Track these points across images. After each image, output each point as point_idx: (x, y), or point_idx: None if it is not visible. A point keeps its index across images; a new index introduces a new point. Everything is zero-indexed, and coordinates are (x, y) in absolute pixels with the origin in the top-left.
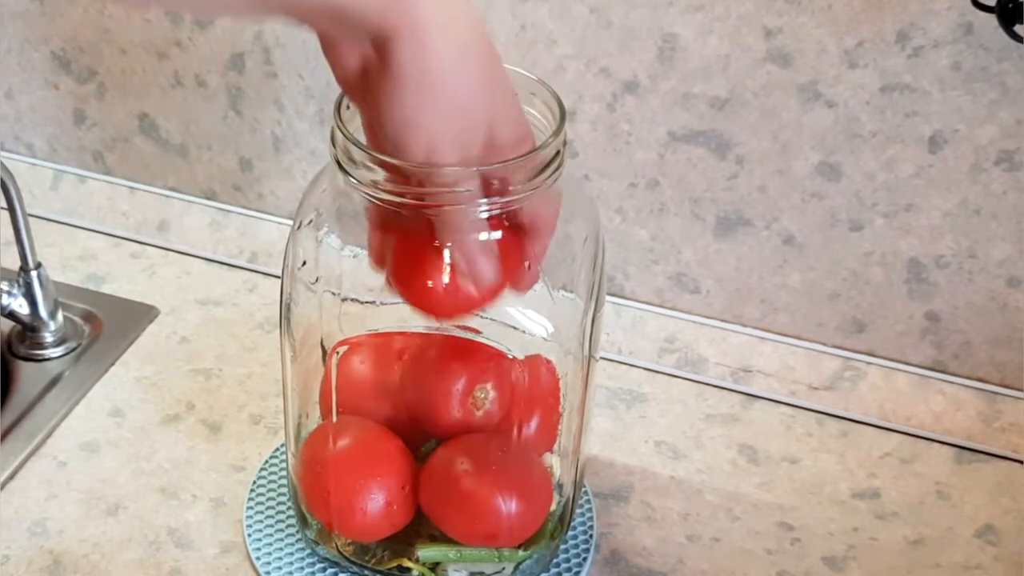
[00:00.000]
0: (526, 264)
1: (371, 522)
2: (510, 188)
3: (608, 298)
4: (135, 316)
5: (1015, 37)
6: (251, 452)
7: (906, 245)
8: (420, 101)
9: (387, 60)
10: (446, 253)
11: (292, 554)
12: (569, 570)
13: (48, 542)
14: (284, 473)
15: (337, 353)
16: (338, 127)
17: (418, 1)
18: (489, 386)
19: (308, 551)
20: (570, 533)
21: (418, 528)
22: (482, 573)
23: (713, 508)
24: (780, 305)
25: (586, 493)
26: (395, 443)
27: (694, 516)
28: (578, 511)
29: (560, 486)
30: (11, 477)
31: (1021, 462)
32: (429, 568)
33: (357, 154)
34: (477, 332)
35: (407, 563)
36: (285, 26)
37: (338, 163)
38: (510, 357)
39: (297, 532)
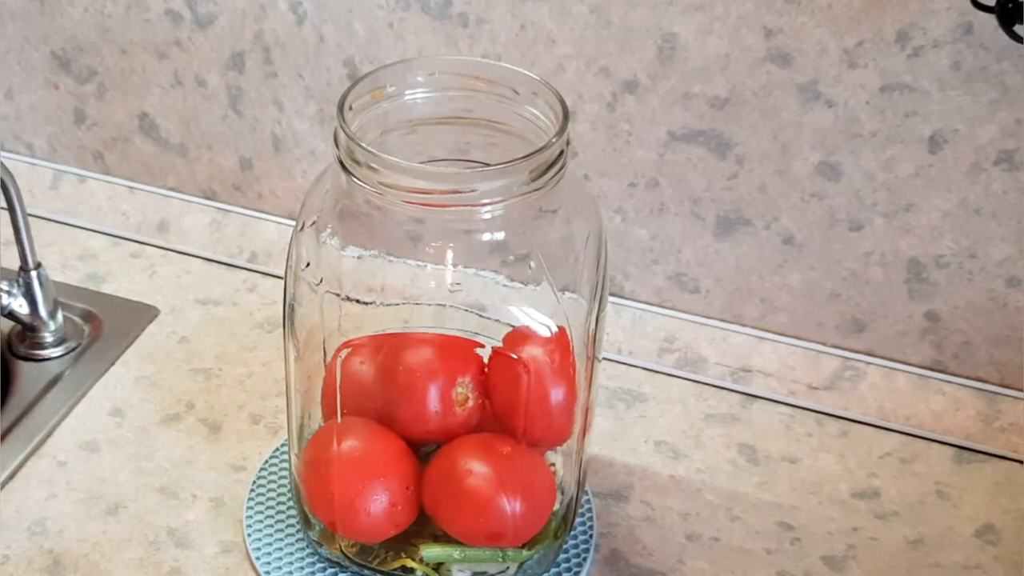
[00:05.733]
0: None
1: (375, 523)
2: None
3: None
4: (135, 316)
5: (1015, 37)
6: (251, 452)
7: (906, 245)
8: None
9: None
10: None
11: (292, 554)
12: (569, 570)
13: (48, 542)
14: (284, 473)
15: (340, 355)
16: (341, 127)
17: None
18: (468, 380)
19: (308, 551)
20: (570, 533)
21: (421, 528)
22: (485, 573)
23: (713, 508)
24: (780, 305)
25: (586, 493)
26: (398, 443)
27: (694, 516)
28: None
29: (563, 485)
30: (11, 477)
31: (1021, 462)
32: (433, 568)
33: (360, 154)
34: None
35: (411, 563)
36: (285, 25)
37: (341, 163)
38: (512, 356)
39: (297, 532)
